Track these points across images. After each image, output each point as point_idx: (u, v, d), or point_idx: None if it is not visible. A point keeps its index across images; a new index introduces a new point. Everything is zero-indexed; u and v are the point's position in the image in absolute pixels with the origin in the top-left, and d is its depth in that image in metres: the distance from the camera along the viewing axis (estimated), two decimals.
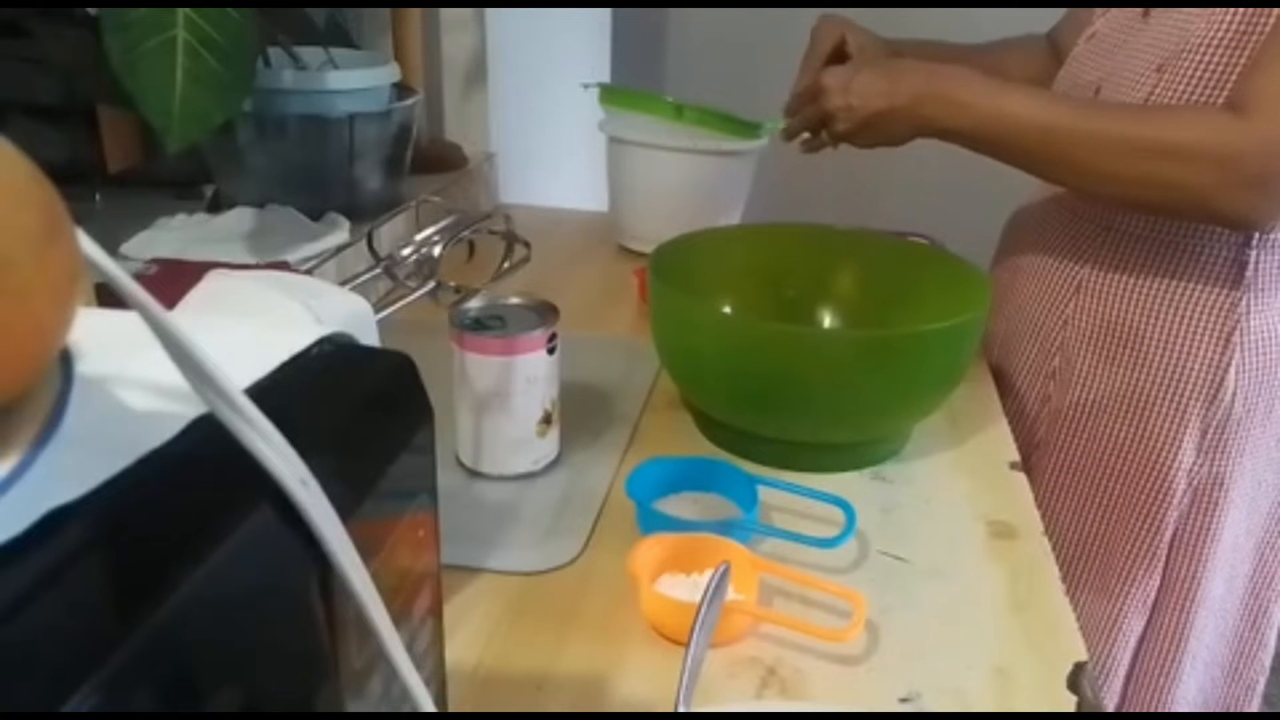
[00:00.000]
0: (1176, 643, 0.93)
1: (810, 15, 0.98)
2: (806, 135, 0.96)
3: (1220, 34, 0.78)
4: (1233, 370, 0.85)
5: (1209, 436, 0.87)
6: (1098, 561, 0.94)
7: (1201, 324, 0.86)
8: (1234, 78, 0.77)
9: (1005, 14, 1.54)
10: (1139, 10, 0.87)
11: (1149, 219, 0.86)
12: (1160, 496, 0.90)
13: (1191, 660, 0.94)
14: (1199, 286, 0.85)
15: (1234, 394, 0.86)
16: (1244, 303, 0.84)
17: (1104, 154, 0.78)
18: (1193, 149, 0.75)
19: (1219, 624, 0.95)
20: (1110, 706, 0.96)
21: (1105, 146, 0.78)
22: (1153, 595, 0.93)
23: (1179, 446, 0.88)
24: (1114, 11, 0.91)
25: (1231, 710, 0.99)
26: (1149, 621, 0.94)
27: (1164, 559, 0.92)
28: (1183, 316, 0.86)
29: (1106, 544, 0.94)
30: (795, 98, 0.96)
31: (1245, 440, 0.88)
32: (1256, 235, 0.83)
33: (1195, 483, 0.89)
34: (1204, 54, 0.79)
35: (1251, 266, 0.84)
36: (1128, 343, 0.89)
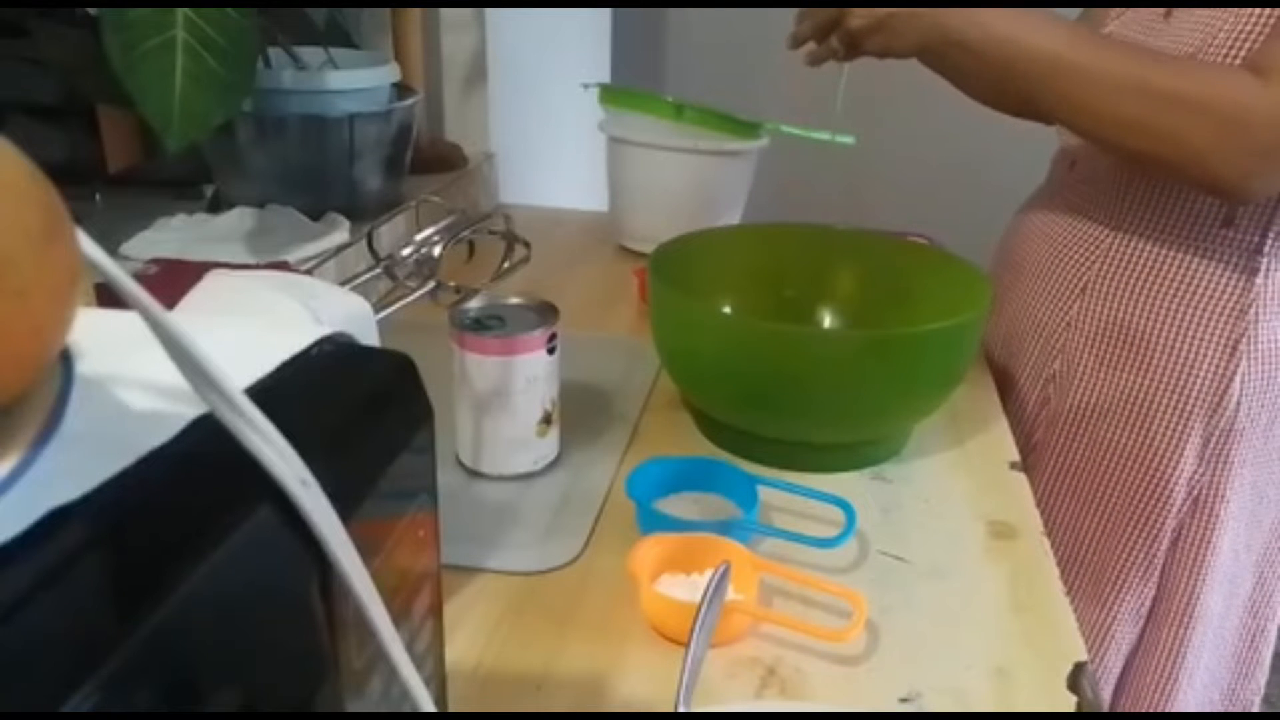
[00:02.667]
0: (1174, 659, 0.92)
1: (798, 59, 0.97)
2: (812, 46, 0.93)
3: (1250, 27, 0.76)
4: (1238, 379, 0.84)
5: (1211, 445, 0.87)
6: (1091, 567, 0.94)
7: (1208, 330, 0.84)
8: None
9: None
10: (1159, 10, 0.86)
11: (1159, 221, 0.85)
12: (1159, 504, 0.89)
13: (1189, 678, 0.92)
14: (1208, 292, 0.84)
15: (1238, 403, 0.85)
16: (1252, 310, 0.83)
17: (1111, 92, 0.76)
18: (1205, 102, 0.73)
19: (1217, 643, 0.94)
20: (1100, 706, 0.95)
21: (1114, 84, 0.76)
22: (1147, 605, 0.92)
23: (1180, 454, 0.87)
24: (1131, 11, 0.90)
25: None
26: (1144, 633, 0.93)
27: (1160, 569, 0.91)
28: (1190, 322, 0.85)
29: (1100, 550, 0.93)
30: None
31: (1247, 451, 0.87)
32: (1269, 241, 0.82)
33: (1195, 492, 0.88)
34: (1233, 48, 0.77)
35: (1262, 274, 0.83)
36: (1132, 346, 0.88)
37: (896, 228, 1.06)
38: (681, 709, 0.49)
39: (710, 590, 0.53)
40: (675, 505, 0.70)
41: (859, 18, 0.85)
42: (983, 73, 0.82)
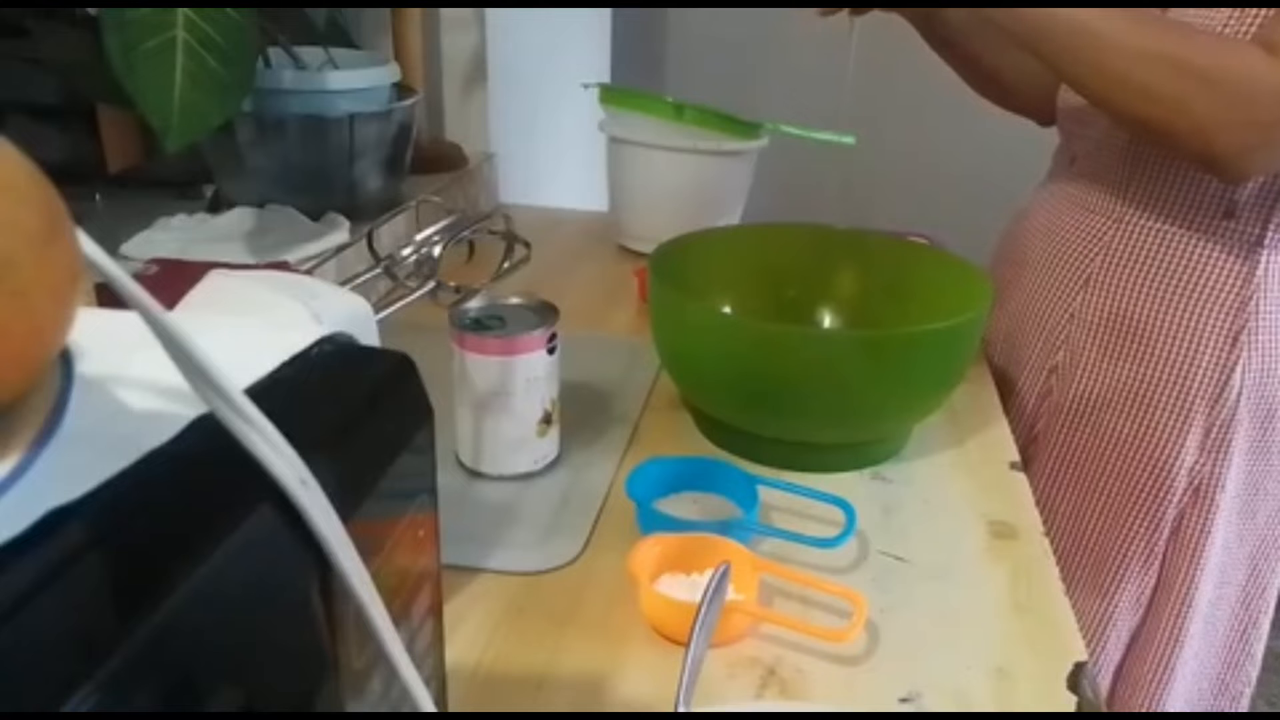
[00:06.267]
0: (1171, 648, 0.92)
1: (809, 17, 0.97)
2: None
3: (1250, 18, 0.76)
4: (1239, 370, 0.85)
5: (1212, 436, 0.87)
6: (1092, 557, 0.94)
7: (1210, 322, 0.85)
8: None
9: None
10: (1156, 10, 0.86)
11: (1161, 214, 0.85)
12: (1160, 494, 0.89)
13: (1182, 668, 0.93)
14: (1209, 284, 0.85)
15: (1239, 394, 0.85)
16: (1254, 302, 0.84)
17: (1122, 55, 0.75)
18: (1213, 72, 0.73)
19: (1209, 632, 0.94)
20: (1100, 706, 0.95)
21: (1126, 48, 0.75)
22: (1147, 594, 0.93)
23: (1182, 445, 0.88)
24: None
25: None
26: (1143, 622, 0.94)
27: (1161, 558, 0.91)
28: (1192, 313, 0.86)
29: (1102, 540, 0.93)
30: None
31: (1246, 442, 0.87)
32: (1270, 233, 0.82)
33: (1196, 482, 0.89)
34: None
35: (1262, 266, 0.83)
36: (1134, 338, 0.89)
37: (896, 228, 1.06)
38: (681, 709, 0.49)
39: (710, 590, 0.53)
40: (675, 505, 0.70)
41: None
42: (1001, 29, 0.80)
